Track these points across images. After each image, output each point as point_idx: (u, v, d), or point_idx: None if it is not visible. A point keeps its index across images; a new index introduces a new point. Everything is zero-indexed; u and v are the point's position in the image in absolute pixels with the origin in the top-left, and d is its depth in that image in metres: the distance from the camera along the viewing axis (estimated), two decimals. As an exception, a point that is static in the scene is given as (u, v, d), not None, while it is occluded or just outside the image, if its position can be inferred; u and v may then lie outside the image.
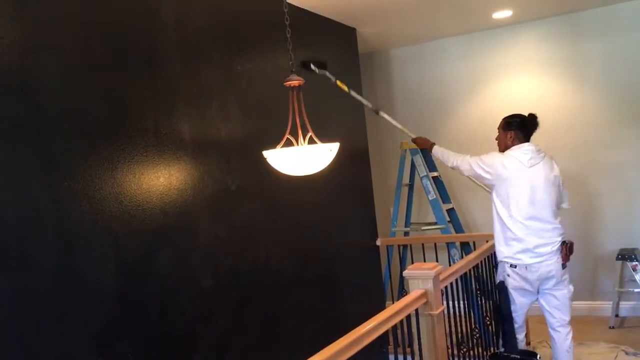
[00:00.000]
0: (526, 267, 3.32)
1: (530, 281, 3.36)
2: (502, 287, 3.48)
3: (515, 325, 3.51)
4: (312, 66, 3.86)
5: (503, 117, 3.52)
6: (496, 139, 3.56)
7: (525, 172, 3.31)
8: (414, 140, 4.14)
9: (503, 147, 3.48)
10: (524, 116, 3.45)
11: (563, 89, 5.01)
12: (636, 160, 4.78)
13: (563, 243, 3.35)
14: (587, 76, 4.91)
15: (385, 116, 4.17)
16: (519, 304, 3.46)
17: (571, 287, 3.44)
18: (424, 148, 4.10)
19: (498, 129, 3.53)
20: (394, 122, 4.21)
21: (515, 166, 3.33)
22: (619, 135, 4.82)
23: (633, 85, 4.75)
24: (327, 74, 3.92)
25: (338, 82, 3.98)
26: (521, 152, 3.35)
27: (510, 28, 5.15)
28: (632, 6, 4.72)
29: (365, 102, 4.24)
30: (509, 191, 3.34)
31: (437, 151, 3.83)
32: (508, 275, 3.42)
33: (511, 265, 3.39)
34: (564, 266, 3.36)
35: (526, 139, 3.42)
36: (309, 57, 3.89)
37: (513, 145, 3.41)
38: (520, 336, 3.55)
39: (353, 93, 4.09)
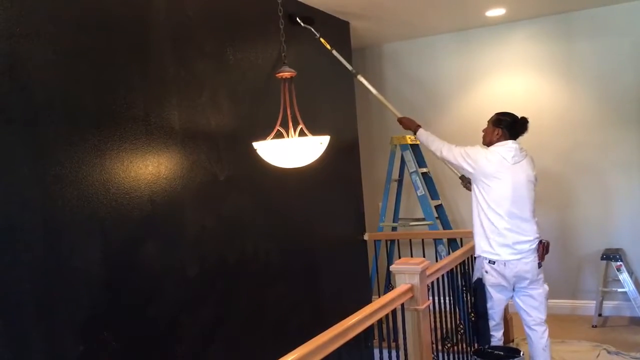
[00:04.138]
0: (504, 264, 3.35)
1: (507, 278, 3.38)
2: (479, 285, 3.51)
3: (493, 323, 3.52)
4: (298, 19, 3.82)
5: (496, 112, 3.53)
6: (483, 131, 3.57)
7: (508, 168, 3.34)
8: (400, 120, 3.93)
9: (488, 141, 3.51)
10: (516, 117, 3.46)
11: (553, 88, 5.03)
12: (622, 161, 4.82)
13: (540, 242, 3.38)
14: (577, 76, 4.94)
15: (364, 81, 4.05)
16: (497, 301, 3.47)
17: (546, 287, 3.45)
18: (409, 129, 3.85)
19: (488, 122, 3.54)
20: (373, 90, 4.05)
21: (498, 162, 3.36)
22: (607, 136, 4.85)
23: (622, 87, 4.78)
24: (312, 29, 3.88)
25: (322, 40, 3.94)
26: (505, 149, 3.38)
27: (503, 26, 5.16)
28: (624, 8, 4.74)
29: (346, 63, 4.13)
30: (491, 186, 3.36)
31: (422, 134, 3.70)
32: (486, 272, 3.45)
33: (490, 262, 3.41)
34: (539, 265, 3.38)
35: (512, 139, 3.44)
36: (294, 11, 3.85)
37: (498, 142, 3.43)
38: (499, 334, 3.54)
39: (335, 53, 4.03)
